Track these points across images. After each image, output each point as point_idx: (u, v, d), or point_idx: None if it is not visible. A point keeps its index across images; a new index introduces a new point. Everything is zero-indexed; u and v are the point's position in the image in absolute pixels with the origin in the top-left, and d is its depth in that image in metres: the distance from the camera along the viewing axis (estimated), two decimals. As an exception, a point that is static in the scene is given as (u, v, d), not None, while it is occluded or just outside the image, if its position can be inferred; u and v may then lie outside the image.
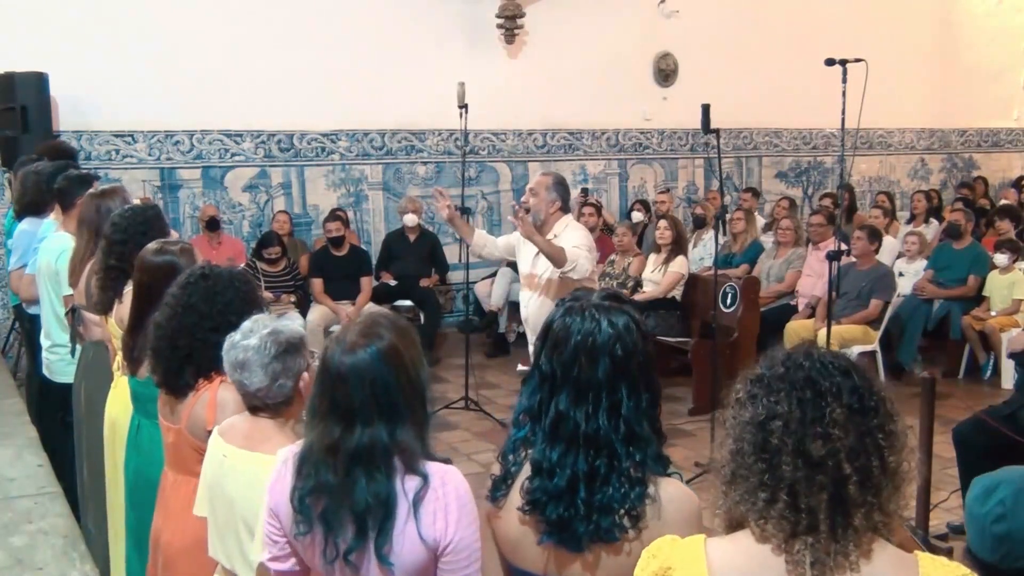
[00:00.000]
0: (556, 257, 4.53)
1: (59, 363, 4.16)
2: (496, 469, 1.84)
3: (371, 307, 7.51)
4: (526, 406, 1.80)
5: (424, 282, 8.14)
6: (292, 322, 2.71)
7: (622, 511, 1.67)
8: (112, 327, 3.37)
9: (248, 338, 2.24)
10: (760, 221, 9.07)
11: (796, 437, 1.33)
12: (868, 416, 1.35)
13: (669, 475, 1.76)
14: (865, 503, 1.32)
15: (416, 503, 1.83)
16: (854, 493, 1.31)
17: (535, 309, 4.87)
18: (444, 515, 1.84)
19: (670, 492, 1.72)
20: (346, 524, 1.85)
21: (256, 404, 2.30)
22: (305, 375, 2.30)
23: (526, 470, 1.77)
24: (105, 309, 3.37)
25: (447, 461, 1.96)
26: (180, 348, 2.56)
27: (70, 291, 3.94)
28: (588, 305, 1.77)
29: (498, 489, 1.81)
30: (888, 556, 1.35)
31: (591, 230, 6.36)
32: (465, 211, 5.81)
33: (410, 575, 1.87)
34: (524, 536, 1.77)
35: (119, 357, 3.34)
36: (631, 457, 1.70)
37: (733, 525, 1.42)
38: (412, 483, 1.85)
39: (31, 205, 4.79)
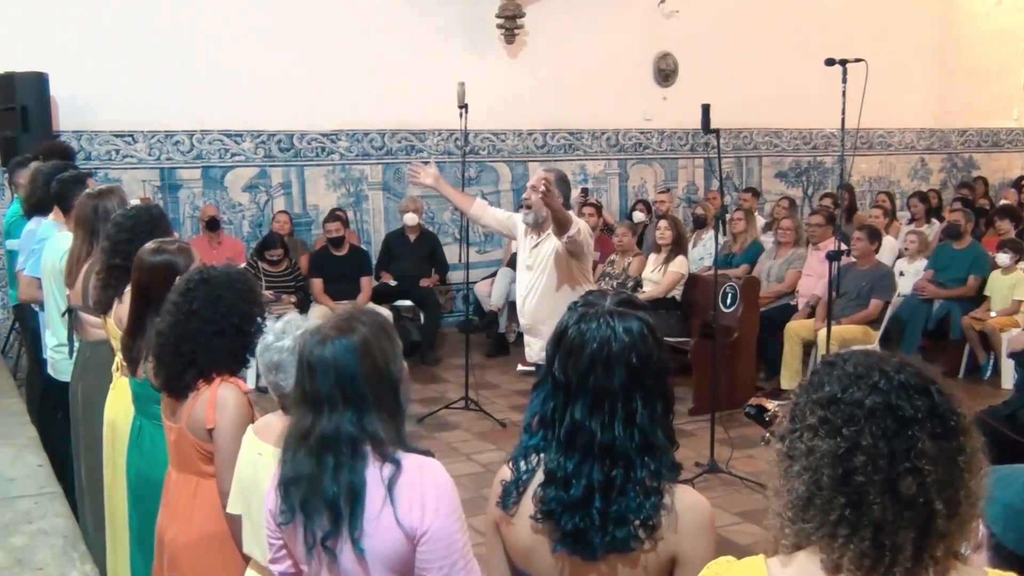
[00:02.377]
0: (565, 221, 4.55)
1: (63, 362, 4.17)
2: (507, 475, 1.81)
3: (371, 307, 7.52)
4: (539, 412, 1.77)
5: (424, 282, 8.14)
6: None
7: (637, 521, 1.66)
8: (111, 327, 3.37)
9: (282, 340, 2.28)
10: (760, 221, 9.07)
11: (884, 474, 1.24)
12: (951, 439, 1.27)
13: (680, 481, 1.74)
14: (949, 533, 1.26)
15: (391, 488, 1.85)
16: (942, 526, 1.25)
17: (533, 301, 4.89)
18: (421, 503, 1.86)
19: (685, 501, 1.70)
20: (322, 511, 1.88)
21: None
22: None
23: (538, 477, 1.75)
24: (105, 309, 3.37)
25: (428, 453, 1.97)
26: (184, 354, 2.57)
27: (72, 291, 3.95)
28: (603, 312, 1.73)
29: (509, 496, 1.78)
30: None
31: (591, 230, 6.37)
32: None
33: (386, 563, 1.88)
34: (537, 544, 1.75)
35: (118, 357, 3.34)
36: (646, 467, 1.68)
37: (796, 548, 1.35)
38: (388, 470, 1.88)
39: (38, 204, 4.79)
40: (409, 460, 1.90)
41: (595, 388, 1.69)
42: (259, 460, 2.31)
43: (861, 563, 1.25)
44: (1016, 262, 7.34)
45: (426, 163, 5.26)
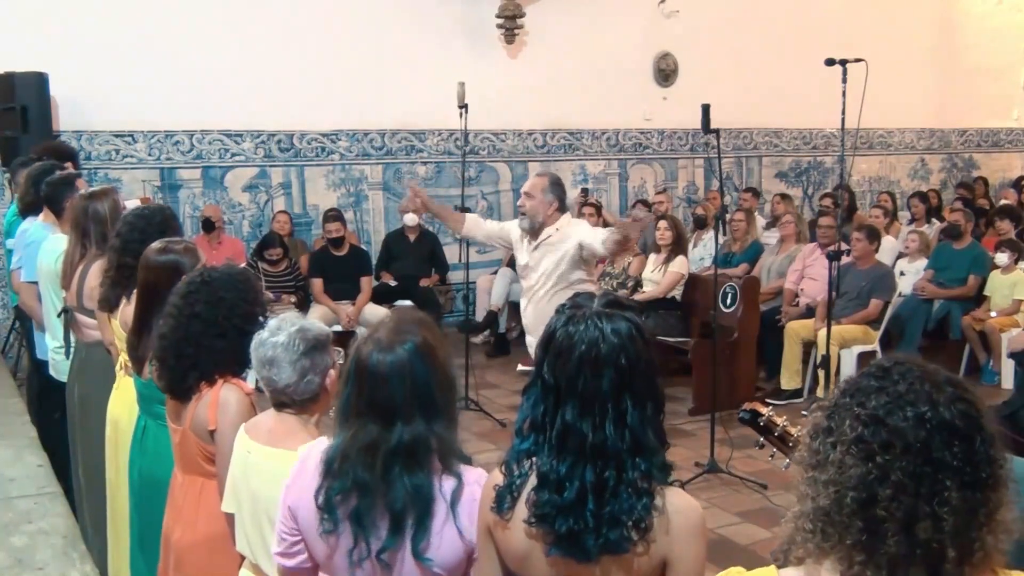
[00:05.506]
0: (626, 249, 4.75)
1: (64, 363, 4.17)
2: (499, 480, 1.81)
3: (371, 307, 7.52)
4: (530, 416, 1.77)
5: (424, 282, 8.14)
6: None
7: (630, 523, 1.66)
8: (116, 327, 3.37)
9: (276, 335, 2.27)
10: (760, 221, 9.07)
11: (904, 513, 1.23)
12: (978, 490, 1.25)
13: (671, 483, 1.74)
14: (960, 573, 1.25)
15: (453, 503, 1.86)
16: (952, 571, 1.24)
17: (535, 302, 4.91)
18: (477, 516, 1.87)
19: (676, 503, 1.71)
20: (379, 523, 1.86)
21: (283, 400, 2.32)
22: (332, 372, 2.33)
23: (531, 481, 1.75)
24: (111, 307, 3.37)
25: (468, 460, 1.97)
26: (186, 356, 2.56)
27: (70, 292, 3.95)
28: (590, 313, 1.73)
29: (503, 500, 1.78)
30: None
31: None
32: (465, 211, 5.84)
33: (451, 573, 1.89)
34: (532, 549, 1.75)
35: (122, 357, 3.34)
36: (637, 467, 1.68)
37: (806, 560, 1.34)
38: (448, 484, 1.88)
39: (32, 204, 4.80)
40: (469, 475, 1.91)
41: (585, 390, 1.69)
42: (248, 458, 2.31)
43: None
44: (1015, 261, 7.34)
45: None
